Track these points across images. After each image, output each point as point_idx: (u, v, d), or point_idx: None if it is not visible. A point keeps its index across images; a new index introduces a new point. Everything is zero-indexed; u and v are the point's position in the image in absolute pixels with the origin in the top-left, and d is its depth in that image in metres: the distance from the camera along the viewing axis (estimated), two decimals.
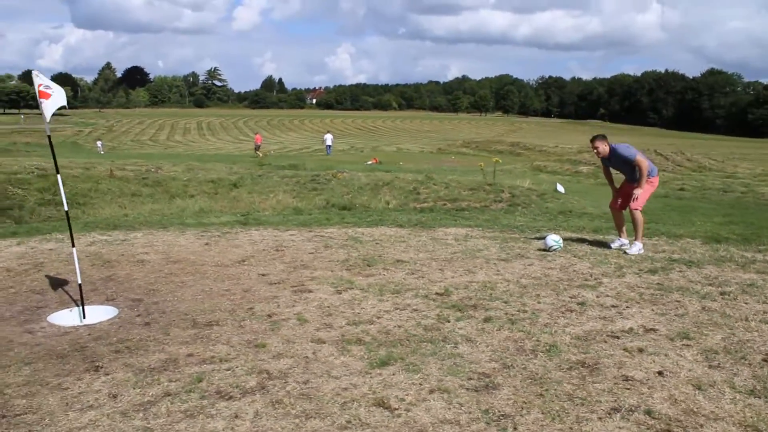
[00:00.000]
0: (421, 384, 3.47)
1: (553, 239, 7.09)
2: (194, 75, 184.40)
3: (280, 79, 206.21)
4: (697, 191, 10.53)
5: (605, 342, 4.10)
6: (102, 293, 5.29)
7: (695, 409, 3.14)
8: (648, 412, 3.10)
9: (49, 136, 4.79)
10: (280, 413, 3.13)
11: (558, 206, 11.88)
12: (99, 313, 4.72)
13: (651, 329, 4.33)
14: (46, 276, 5.82)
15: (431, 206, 11.49)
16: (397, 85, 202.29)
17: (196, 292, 5.31)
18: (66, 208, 4.95)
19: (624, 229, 7.42)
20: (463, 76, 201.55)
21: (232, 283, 5.60)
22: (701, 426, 2.97)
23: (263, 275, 5.91)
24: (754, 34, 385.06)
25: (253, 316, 4.69)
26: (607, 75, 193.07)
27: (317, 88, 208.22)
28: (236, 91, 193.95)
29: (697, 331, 4.28)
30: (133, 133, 77.03)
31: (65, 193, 4.99)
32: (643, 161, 6.99)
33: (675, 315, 4.65)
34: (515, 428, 2.96)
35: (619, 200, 7.38)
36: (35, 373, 3.65)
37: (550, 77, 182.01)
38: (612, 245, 7.30)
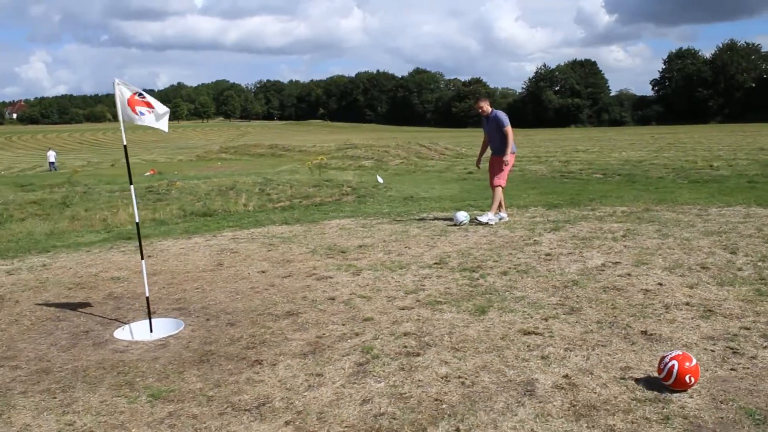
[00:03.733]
0: (531, 317, 4.48)
1: (463, 215, 8.47)
2: None
3: None
4: (483, 173, 12.61)
5: (600, 274, 5.54)
6: (134, 309, 5.14)
7: (706, 298, 4.72)
8: (687, 304, 4.59)
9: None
10: (473, 353, 3.87)
11: (397, 194, 13.35)
12: (166, 326, 4.69)
13: (616, 262, 5.91)
14: (44, 301, 5.33)
15: (290, 204, 12.05)
16: (108, 95, 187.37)
17: (229, 293, 5.46)
18: (137, 220, 4.76)
19: (504, 204, 9.10)
20: (179, 83, 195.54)
21: (248, 282, 5.81)
22: (720, 305, 4.54)
23: (263, 272, 6.19)
24: (444, 37, 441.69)
25: (317, 301, 5.12)
26: (324, 77, 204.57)
27: (16, 101, 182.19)
28: None
29: (642, 259, 5.98)
30: None
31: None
32: (511, 133, 8.50)
33: (615, 252, 6.33)
34: (630, 326, 4.18)
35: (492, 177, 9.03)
36: (207, 375, 3.73)
37: (269, 81, 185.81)
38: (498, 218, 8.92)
